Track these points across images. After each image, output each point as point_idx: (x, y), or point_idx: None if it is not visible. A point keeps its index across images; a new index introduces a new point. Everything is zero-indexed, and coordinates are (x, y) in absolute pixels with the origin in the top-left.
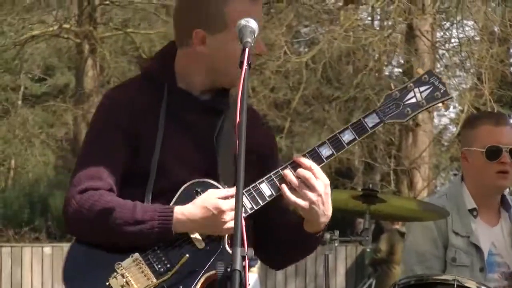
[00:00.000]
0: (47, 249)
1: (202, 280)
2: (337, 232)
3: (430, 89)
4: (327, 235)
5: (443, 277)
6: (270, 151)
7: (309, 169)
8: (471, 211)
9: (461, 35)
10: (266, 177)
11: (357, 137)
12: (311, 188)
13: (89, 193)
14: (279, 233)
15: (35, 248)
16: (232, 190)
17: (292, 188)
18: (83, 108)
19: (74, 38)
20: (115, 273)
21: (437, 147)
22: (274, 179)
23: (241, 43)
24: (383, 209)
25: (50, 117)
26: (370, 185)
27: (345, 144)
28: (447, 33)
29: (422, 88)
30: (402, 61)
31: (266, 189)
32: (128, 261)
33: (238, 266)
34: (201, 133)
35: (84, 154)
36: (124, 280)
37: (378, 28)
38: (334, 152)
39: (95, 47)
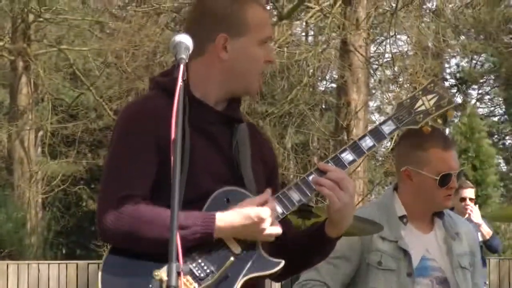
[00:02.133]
0: None
1: (240, 284)
2: None
3: (437, 97)
4: None
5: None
6: (274, 161)
7: (337, 172)
8: (401, 218)
9: (394, 50)
10: (293, 183)
11: (376, 143)
12: (345, 189)
13: (127, 201)
14: (290, 244)
15: None
16: (265, 196)
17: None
18: (17, 125)
19: (8, 55)
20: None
21: (372, 162)
22: (301, 185)
23: (175, 59)
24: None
25: None
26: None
27: (365, 150)
28: (381, 48)
29: (429, 97)
30: (336, 76)
31: (294, 194)
32: (166, 268)
33: (173, 282)
34: (221, 143)
35: (114, 164)
36: None
37: (312, 44)
38: (356, 157)
39: (29, 64)
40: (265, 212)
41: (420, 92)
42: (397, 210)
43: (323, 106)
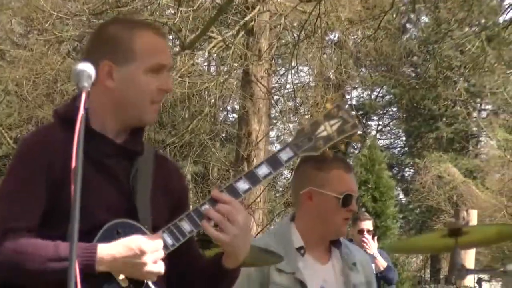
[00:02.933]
0: None
1: None
2: None
3: (340, 122)
4: None
5: None
6: (184, 192)
7: (229, 203)
8: (298, 249)
9: (296, 81)
10: (185, 214)
11: (272, 171)
12: (233, 222)
13: (11, 233)
14: (194, 275)
15: None
16: (156, 236)
17: (214, 224)
18: None
19: None
20: None
21: (272, 192)
22: (193, 215)
23: (77, 88)
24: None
25: None
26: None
27: (261, 178)
28: (282, 79)
29: (332, 122)
30: (237, 107)
31: (186, 225)
32: None
33: None
34: (118, 176)
35: (3, 195)
36: None
37: (214, 74)
38: (251, 186)
39: None
40: (147, 245)
41: (322, 118)
42: (295, 241)
43: (224, 136)
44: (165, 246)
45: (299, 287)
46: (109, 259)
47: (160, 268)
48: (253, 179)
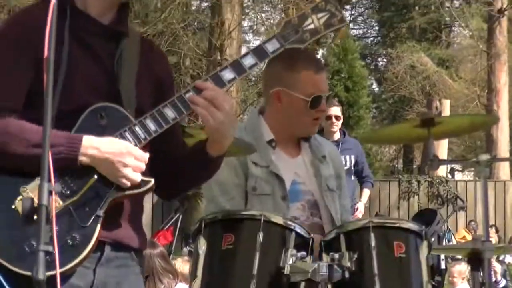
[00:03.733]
0: None
1: (107, 203)
2: None
3: (327, 15)
4: None
5: (250, 212)
6: (169, 77)
7: (214, 90)
8: (269, 142)
9: None
10: (169, 101)
11: (258, 61)
12: (219, 107)
13: None
14: (178, 163)
15: None
16: (145, 150)
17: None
18: None
19: None
20: (21, 196)
21: (245, 81)
22: (177, 102)
23: None
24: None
25: None
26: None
27: (246, 68)
28: None
29: (319, 15)
30: None
31: (169, 112)
32: (33, 184)
33: (44, 201)
34: (103, 57)
35: None
36: None
37: None
38: (236, 75)
39: None
40: (135, 150)
41: (310, 10)
42: (265, 135)
43: (196, 26)
44: (148, 132)
45: (275, 180)
46: (93, 151)
47: (137, 178)
48: (239, 68)
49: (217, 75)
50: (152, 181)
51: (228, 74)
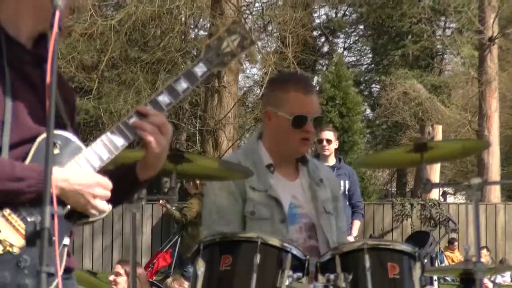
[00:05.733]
0: None
1: (72, 230)
2: (144, 191)
3: (239, 38)
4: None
5: (248, 235)
6: (75, 102)
7: (158, 115)
8: (268, 166)
9: (264, 0)
10: (114, 126)
11: (190, 85)
12: (165, 134)
13: None
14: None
15: None
16: (107, 177)
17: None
18: None
19: None
20: None
21: (242, 108)
22: (123, 128)
23: (52, 5)
24: (189, 169)
25: None
26: (177, 145)
27: (180, 93)
28: None
29: (233, 37)
30: (208, 25)
31: (118, 139)
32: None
33: (47, 224)
34: (37, 84)
35: None
36: None
37: None
38: (172, 100)
39: None
40: (103, 180)
41: (225, 34)
42: (264, 159)
43: (194, 54)
44: (101, 159)
45: (273, 203)
46: (63, 184)
47: (106, 207)
48: (174, 93)
49: (155, 100)
50: (110, 207)
51: (164, 99)
